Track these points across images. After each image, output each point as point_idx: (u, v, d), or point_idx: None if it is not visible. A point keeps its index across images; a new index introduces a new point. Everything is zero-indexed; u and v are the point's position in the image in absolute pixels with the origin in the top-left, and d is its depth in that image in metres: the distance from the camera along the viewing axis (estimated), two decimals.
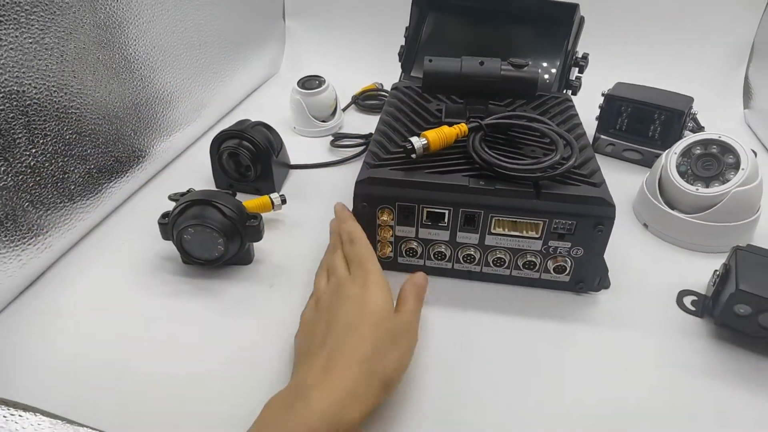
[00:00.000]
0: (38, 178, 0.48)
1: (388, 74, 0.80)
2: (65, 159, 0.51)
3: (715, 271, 0.47)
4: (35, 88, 0.46)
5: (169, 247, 0.50)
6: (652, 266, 0.54)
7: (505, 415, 0.39)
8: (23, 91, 0.45)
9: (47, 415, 0.38)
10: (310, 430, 0.31)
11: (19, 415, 0.38)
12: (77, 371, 0.42)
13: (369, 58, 0.98)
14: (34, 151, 0.47)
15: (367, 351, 0.35)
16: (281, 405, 0.33)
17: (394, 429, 0.38)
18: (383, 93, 0.89)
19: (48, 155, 0.49)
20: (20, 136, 0.45)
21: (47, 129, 0.48)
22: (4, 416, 0.38)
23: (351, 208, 0.49)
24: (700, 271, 0.51)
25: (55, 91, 0.49)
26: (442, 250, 0.49)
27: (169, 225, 0.49)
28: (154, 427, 0.38)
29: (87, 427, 0.37)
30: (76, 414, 0.38)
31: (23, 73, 0.45)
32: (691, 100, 0.69)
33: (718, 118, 0.81)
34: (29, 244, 0.48)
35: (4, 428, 0.37)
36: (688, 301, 0.49)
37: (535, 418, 0.39)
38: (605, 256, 0.47)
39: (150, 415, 0.39)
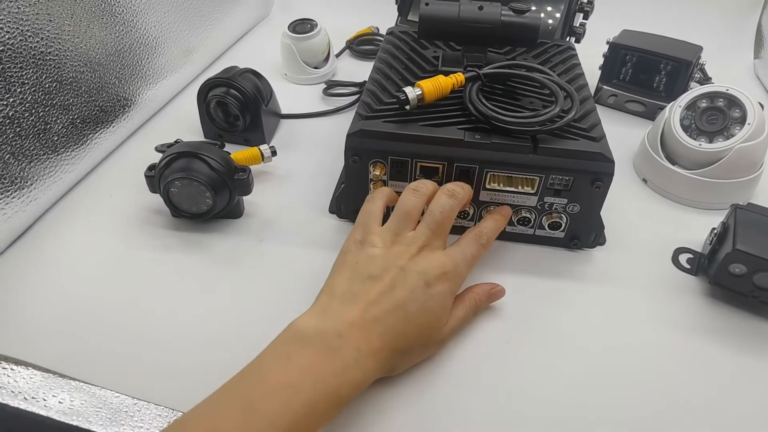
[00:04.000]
0: (18, 129, 0.46)
1: (385, 18, 0.77)
2: (46, 109, 0.49)
3: (713, 229, 0.46)
4: (8, 32, 0.44)
5: (158, 200, 0.49)
6: (649, 223, 0.53)
7: (493, 372, 0.39)
8: None
9: (39, 369, 0.39)
10: (338, 393, 0.32)
11: (11, 369, 0.39)
12: (67, 325, 0.42)
13: (364, 0, 0.93)
14: (11, 100, 0.45)
15: (401, 346, 0.36)
16: (318, 349, 0.33)
17: (381, 384, 0.38)
18: (379, 38, 0.85)
19: (27, 105, 0.47)
20: None
21: (24, 77, 0.46)
22: None
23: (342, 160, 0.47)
24: (697, 228, 0.50)
25: (30, 36, 0.46)
26: None
27: (155, 178, 0.48)
28: (145, 380, 0.38)
29: (78, 380, 0.38)
30: (67, 368, 0.38)
31: None
32: (699, 49, 0.66)
33: (727, 68, 0.79)
34: (13, 197, 0.46)
35: None
36: (683, 258, 0.48)
37: (524, 375, 0.39)
38: (602, 211, 0.47)
39: (141, 368, 0.39)
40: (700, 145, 0.53)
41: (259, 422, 0.29)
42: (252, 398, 0.30)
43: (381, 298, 0.36)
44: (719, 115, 0.53)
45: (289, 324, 0.35)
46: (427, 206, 0.41)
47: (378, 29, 0.87)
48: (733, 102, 0.53)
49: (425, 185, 0.42)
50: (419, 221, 0.41)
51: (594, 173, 0.43)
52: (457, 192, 0.42)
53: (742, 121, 0.52)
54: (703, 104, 0.54)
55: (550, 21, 0.65)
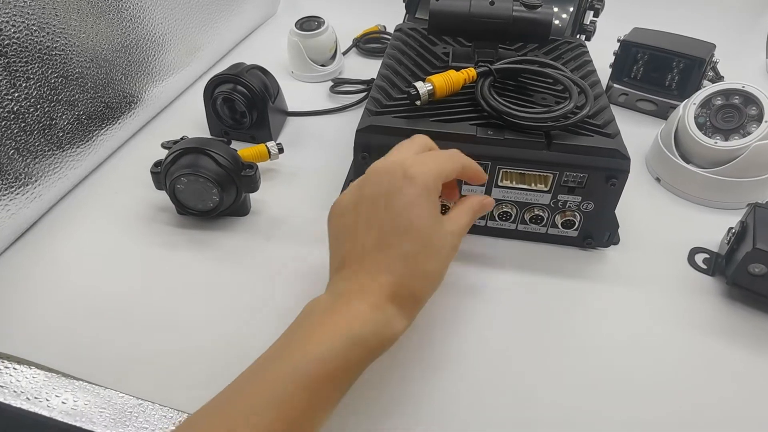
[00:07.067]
0: (23, 125, 0.45)
1: (392, 16, 0.76)
2: (51, 104, 0.48)
3: (730, 228, 0.45)
4: (13, 26, 0.43)
5: (164, 197, 0.49)
6: (663, 222, 0.52)
7: (504, 371, 0.39)
8: (0, 30, 0.42)
9: (42, 368, 0.38)
10: (358, 338, 0.30)
11: (14, 368, 0.38)
12: (71, 324, 0.41)
13: None
14: (16, 95, 0.44)
15: (406, 251, 0.33)
16: (322, 310, 0.33)
17: (393, 379, 0.38)
18: (386, 36, 0.84)
19: (32, 100, 0.46)
20: (0, 78, 0.43)
21: (30, 72, 0.45)
22: None
23: (351, 158, 0.46)
24: (713, 228, 0.49)
25: (36, 31, 0.46)
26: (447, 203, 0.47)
27: (161, 174, 0.47)
28: (150, 380, 0.37)
29: (82, 380, 0.37)
30: (70, 367, 0.38)
31: None
32: (712, 47, 0.65)
33: (739, 66, 0.77)
34: (17, 194, 0.46)
35: None
36: (699, 258, 0.47)
37: (537, 374, 0.39)
38: (615, 210, 0.46)
39: (145, 368, 0.38)
40: (716, 143, 0.52)
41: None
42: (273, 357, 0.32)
43: (358, 221, 0.35)
44: (735, 113, 0.52)
45: None
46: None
47: (385, 27, 0.86)
48: (749, 99, 0.52)
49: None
50: None
51: (609, 170, 0.42)
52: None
53: (759, 118, 0.51)
54: (719, 102, 0.53)
55: (557, 21, 0.65)
